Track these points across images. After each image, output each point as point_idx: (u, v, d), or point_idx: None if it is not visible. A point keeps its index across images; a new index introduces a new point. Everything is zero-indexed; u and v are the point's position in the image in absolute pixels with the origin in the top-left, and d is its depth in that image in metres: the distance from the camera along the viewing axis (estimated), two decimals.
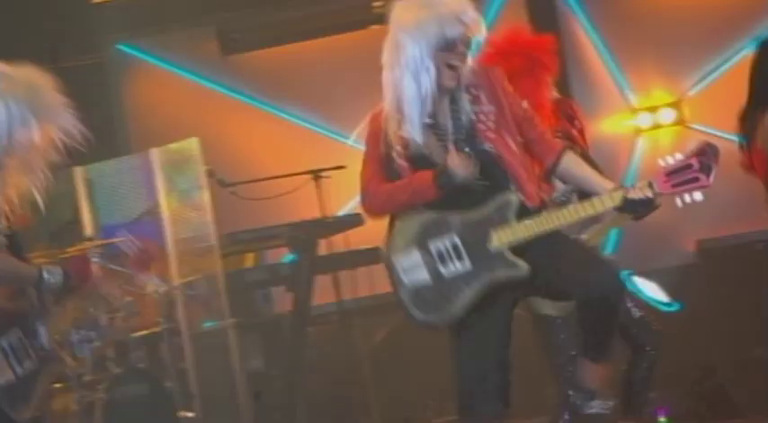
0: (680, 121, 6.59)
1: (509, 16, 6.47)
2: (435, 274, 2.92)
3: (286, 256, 6.39)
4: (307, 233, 5.83)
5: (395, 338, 6.39)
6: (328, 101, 6.82)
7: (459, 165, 2.95)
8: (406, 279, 2.93)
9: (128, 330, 5.72)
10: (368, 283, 5.90)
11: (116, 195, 6.11)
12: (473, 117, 3.01)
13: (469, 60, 2.95)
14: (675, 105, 6.47)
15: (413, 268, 2.92)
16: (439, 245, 2.92)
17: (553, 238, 3.02)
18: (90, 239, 5.55)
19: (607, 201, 2.89)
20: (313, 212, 5.78)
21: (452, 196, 2.94)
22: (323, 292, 5.97)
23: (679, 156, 3.05)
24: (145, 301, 5.73)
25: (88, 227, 5.89)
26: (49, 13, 6.93)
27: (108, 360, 5.71)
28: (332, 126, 6.82)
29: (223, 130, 6.57)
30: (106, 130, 6.52)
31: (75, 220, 6.06)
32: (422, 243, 2.92)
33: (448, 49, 2.91)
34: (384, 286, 5.79)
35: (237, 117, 6.86)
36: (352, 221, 5.85)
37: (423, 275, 2.93)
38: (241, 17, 6.94)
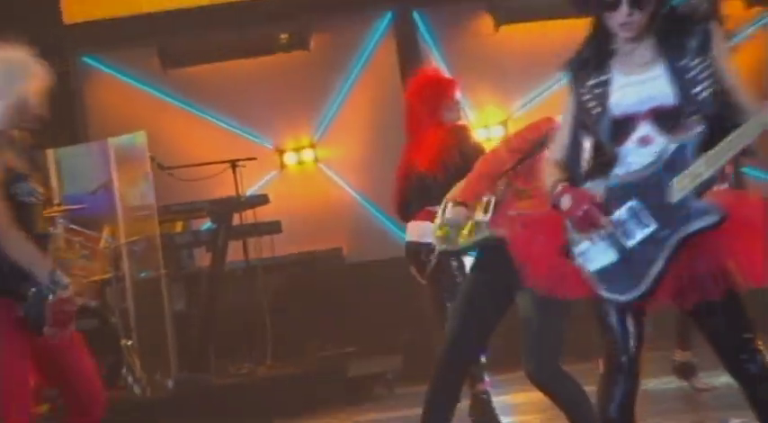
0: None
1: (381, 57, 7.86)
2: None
3: (207, 224, 7.21)
4: (224, 208, 6.70)
5: (289, 289, 7.46)
6: (244, 107, 7.71)
7: None
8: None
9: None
10: (269, 247, 6.94)
11: (78, 172, 6.92)
12: None
13: None
14: (504, 123, 7.71)
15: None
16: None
17: None
18: (58, 205, 6.34)
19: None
20: (229, 192, 6.71)
21: None
22: (234, 253, 6.87)
23: None
24: (98, 254, 6.44)
25: (56, 196, 6.55)
26: (27, 31, 8.26)
27: None
28: (245, 127, 7.76)
29: (163, 127, 7.37)
30: (73, 123, 7.61)
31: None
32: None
33: None
34: (282, 249, 7.09)
35: (174, 117, 7.69)
36: (259, 201, 6.97)
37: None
38: (179, 39, 7.84)
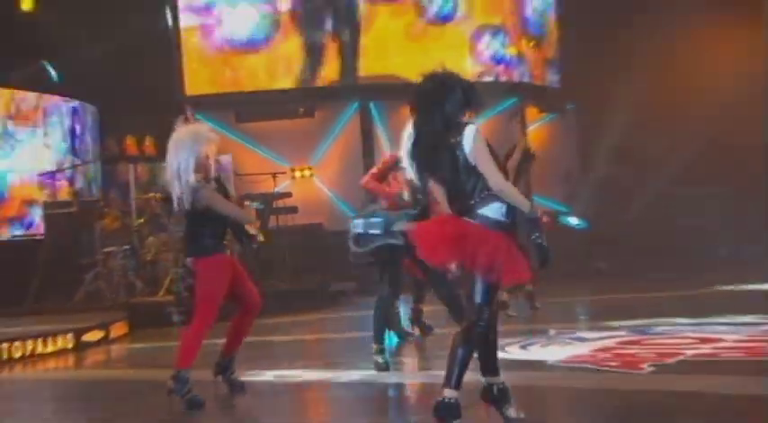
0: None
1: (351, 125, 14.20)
2: None
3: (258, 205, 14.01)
4: (268, 197, 12.52)
5: (299, 242, 13.23)
6: (277, 146, 14.12)
7: None
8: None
9: None
10: (291, 220, 13.57)
11: None
12: None
13: None
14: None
15: None
16: None
17: None
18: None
19: None
20: (269, 189, 12.92)
21: None
22: (272, 222, 13.50)
23: None
24: None
25: None
26: (166, 100, 14.62)
27: None
28: (277, 155, 14.13)
29: (235, 153, 13.83)
30: None
31: None
32: None
33: None
34: (296, 221, 13.75)
35: (241, 149, 14.11)
36: (286, 195, 13.02)
37: None
38: (246, 107, 14.43)
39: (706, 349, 7.16)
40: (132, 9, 13.49)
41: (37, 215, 13.35)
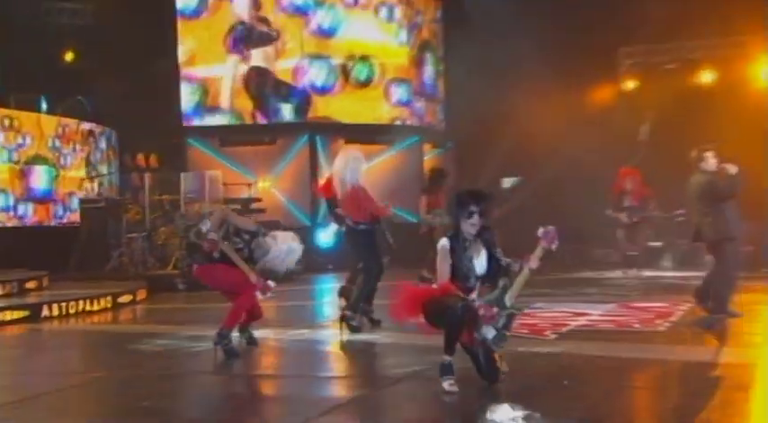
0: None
1: (302, 152, 18.78)
2: None
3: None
4: (245, 201, 18.45)
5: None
6: (247, 163, 18.98)
7: None
8: None
9: None
10: (260, 217, 18.74)
11: (191, 187, 18.28)
12: None
13: None
14: None
15: None
16: None
17: None
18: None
19: None
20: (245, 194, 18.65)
21: None
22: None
23: None
24: None
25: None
26: (165, 129, 19.59)
27: None
28: (248, 171, 18.87)
29: (222, 170, 19.03)
30: (184, 168, 19.02)
31: None
32: None
33: None
34: (262, 218, 18.91)
35: (223, 165, 19.49)
36: (256, 199, 18.08)
37: None
38: (226, 135, 19.32)
39: (584, 321, 8.01)
40: (143, 58, 17.54)
41: (75, 204, 17.16)
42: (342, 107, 18.67)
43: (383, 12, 19.11)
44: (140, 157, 18.10)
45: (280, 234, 7.04)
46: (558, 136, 15.88)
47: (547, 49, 16.13)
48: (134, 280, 13.69)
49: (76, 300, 10.89)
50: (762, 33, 15.98)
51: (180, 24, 18.71)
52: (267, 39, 18.63)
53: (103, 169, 18.56)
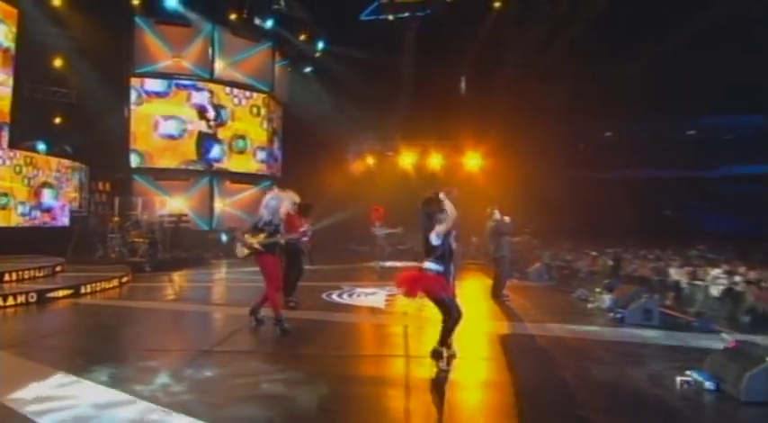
0: None
1: None
2: None
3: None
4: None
5: None
6: None
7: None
8: None
9: None
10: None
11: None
12: None
13: None
14: None
15: None
16: None
17: None
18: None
19: None
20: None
21: None
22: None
23: None
24: None
25: None
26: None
27: None
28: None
29: None
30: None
31: None
32: None
33: None
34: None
35: None
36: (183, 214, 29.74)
37: None
38: None
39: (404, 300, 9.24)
40: (110, 124, 26.03)
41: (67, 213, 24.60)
42: (229, 163, 29.56)
43: (254, 110, 30.77)
44: (102, 185, 25.92)
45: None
46: (340, 187, 28.42)
47: (327, 139, 30.22)
48: (118, 264, 18.48)
49: (99, 281, 13.62)
50: (470, 137, 30.30)
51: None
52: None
53: (84, 193, 25.40)
